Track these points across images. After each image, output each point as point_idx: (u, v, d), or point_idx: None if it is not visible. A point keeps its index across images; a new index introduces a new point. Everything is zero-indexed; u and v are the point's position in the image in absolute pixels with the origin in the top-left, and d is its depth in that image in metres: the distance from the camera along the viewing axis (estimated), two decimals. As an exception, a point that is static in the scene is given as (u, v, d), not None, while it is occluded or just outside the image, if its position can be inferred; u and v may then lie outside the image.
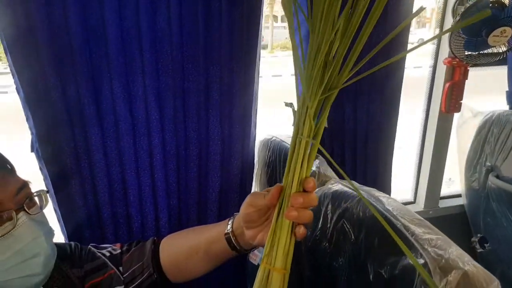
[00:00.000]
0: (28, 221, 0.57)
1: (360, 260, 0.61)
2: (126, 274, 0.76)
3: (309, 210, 0.52)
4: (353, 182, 0.68)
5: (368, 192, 0.67)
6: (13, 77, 0.89)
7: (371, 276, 0.57)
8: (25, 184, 0.59)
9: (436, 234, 0.53)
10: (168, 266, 0.76)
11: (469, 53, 1.35)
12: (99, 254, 0.78)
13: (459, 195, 1.54)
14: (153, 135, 1.01)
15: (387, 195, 0.64)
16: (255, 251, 1.20)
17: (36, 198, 0.63)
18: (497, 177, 1.27)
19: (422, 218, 0.56)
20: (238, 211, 1.08)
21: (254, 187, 1.18)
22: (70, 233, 1.01)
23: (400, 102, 1.24)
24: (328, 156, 0.46)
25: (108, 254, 0.79)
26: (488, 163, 1.32)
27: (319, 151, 0.52)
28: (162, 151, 1.03)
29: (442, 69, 1.38)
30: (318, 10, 0.48)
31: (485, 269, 0.47)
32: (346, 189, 0.70)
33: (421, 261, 0.48)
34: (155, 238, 0.81)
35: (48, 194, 0.64)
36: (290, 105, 0.57)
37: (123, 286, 0.76)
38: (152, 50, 0.93)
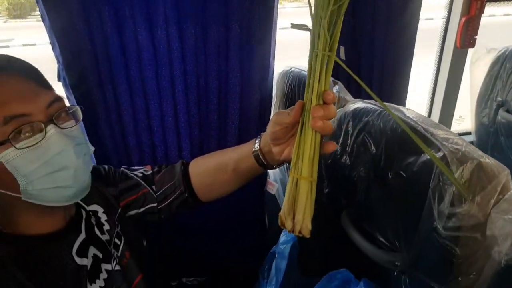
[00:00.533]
0: (58, 134, 0.58)
1: (379, 168, 0.66)
2: (159, 193, 0.82)
3: (329, 122, 0.56)
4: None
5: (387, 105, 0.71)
6: (38, 4, 0.91)
7: (390, 178, 0.63)
8: (58, 98, 0.60)
9: (454, 135, 0.57)
10: (198, 185, 0.81)
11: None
12: (131, 174, 0.83)
13: (469, 133, 1.58)
14: (175, 66, 1.03)
15: (406, 107, 0.68)
16: (272, 181, 1.28)
17: (71, 115, 0.63)
18: (507, 111, 1.30)
19: (441, 124, 0.61)
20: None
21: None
22: (97, 161, 1.08)
23: (416, 37, 1.23)
24: (344, 67, 0.49)
25: (140, 174, 0.84)
26: (499, 98, 1.34)
27: (336, 66, 0.54)
28: (184, 81, 1.06)
29: (459, 4, 1.35)
30: None
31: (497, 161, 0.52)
32: (366, 105, 0.73)
33: (440, 154, 0.53)
34: (183, 160, 0.86)
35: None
36: (300, 27, 0.58)
37: (156, 204, 0.81)
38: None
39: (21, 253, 0.59)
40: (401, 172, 0.61)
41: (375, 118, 0.68)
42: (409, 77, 1.23)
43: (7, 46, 7.17)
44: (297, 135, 0.58)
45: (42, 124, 0.56)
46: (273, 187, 1.25)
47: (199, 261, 1.31)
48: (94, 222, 0.73)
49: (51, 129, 0.57)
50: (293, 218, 0.56)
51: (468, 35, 1.31)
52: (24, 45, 6.97)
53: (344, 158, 0.76)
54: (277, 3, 1.06)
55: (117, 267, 0.72)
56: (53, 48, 0.96)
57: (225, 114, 1.13)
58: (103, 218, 0.76)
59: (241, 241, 1.29)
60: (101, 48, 0.97)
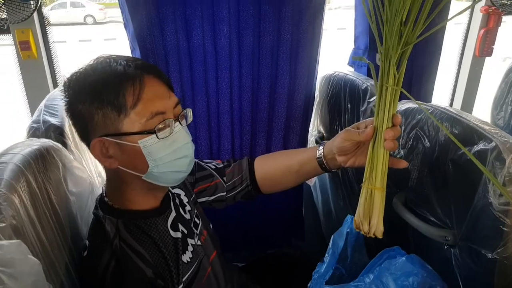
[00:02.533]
0: (182, 130, 0.72)
1: (434, 158, 0.79)
2: (229, 183, 0.95)
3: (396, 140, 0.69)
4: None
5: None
6: (122, 13, 1.04)
7: (446, 166, 0.76)
8: (179, 102, 0.73)
9: (499, 130, 0.70)
10: (262, 180, 0.94)
11: (504, 1, 1.47)
12: (206, 166, 0.96)
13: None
14: (233, 69, 1.17)
15: (456, 108, 0.82)
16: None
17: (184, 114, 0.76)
18: (521, 114, 1.44)
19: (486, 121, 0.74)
20: (300, 138, 1.27)
21: (314, 117, 1.36)
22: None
23: (443, 43, 1.36)
24: (405, 92, 0.62)
25: (213, 167, 0.97)
26: (513, 103, 1.48)
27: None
28: (239, 83, 1.19)
29: (478, 17, 1.50)
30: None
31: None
32: (414, 105, 0.87)
33: (492, 144, 0.66)
34: (248, 157, 0.99)
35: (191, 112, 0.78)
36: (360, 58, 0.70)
37: (225, 193, 0.95)
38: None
39: (128, 224, 0.72)
40: (456, 159, 0.74)
41: (427, 116, 0.82)
42: (435, 80, 1.36)
43: (65, 41, 7.68)
44: (369, 152, 0.70)
45: (173, 121, 0.69)
46: (311, 179, 1.38)
47: (241, 248, 1.43)
48: (178, 203, 0.86)
49: (177, 126, 0.70)
50: (369, 222, 0.68)
51: (486, 45, 1.46)
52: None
53: (397, 151, 0.89)
54: (323, 16, 1.19)
55: (199, 242, 0.85)
56: (132, 52, 1.08)
57: (273, 113, 1.26)
58: (185, 200, 0.89)
59: (279, 229, 1.42)
60: (172, 53, 1.11)
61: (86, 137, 0.69)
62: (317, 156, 0.85)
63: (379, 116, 0.69)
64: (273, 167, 0.94)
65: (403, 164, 0.71)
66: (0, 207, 0.51)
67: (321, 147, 0.85)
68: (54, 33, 1.23)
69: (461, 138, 0.74)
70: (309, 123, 1.31)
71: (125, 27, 1.09)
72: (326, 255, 0.81)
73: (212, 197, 0.96)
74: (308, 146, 1.35)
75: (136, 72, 0.66)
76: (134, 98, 0.64)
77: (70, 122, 0.69)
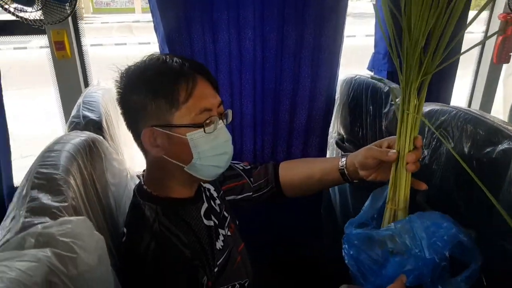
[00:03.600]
0: (224, 128, 0.78)
1: (457, 156, 0.83)
2: (255, 185, 1.00)
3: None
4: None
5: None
6: (153, 16, 1.10)
7: (470, 165, 0.79)
8: (222, 102, 0.79)
9: (522, 130, 0.74)
10: (286, 185, 0.99)
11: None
12: (234, 166, 1.01)
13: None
14: (257, 72, 1.21)
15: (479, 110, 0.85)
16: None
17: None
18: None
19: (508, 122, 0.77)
20: (320, 140, 1.31)
21: (334, 120, 1.40)
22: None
23: (461, 49, 1.39)
24: (426, 121, 0.65)
25: (241, 168, 1.02)
26: (530, 109, 1.51)
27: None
28: (262, 85, 1.23)
29: (496, 24, 1.53)
30: (415, 11, 0.64)
31: None
32: (438, 107, 0.90)
33: (517, 143, 0.70)
34: (274, 162, 1.04)
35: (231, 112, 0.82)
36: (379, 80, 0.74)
37: (251, 193, 1.00)
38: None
39: (166, 209, 0.76)
40: (480, 157, 0.77)
41: (451, 117, 0.85)
42: (454, 83, 1.39)
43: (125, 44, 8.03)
44: (391, 173, 0.74)
45: (217, 118, 0.74)
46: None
47: (260, 246, 1.46)
48: (209, 196, 0.90)
49: (220, 123, 0.76)
50: None
51: (504, 52, 1.49)
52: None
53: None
54: (345, 20, 1.23)
55: (229, 233, 0.89)
56: (161, 53, 1.14)
57: (295, 115, 1.29)
58: (214, 194, 0.94)
59: (298, 229, 1.45)
60: (199, 55, 1.15)
61: (135, 126, 0.74)
62: (340, 167, 0.89)
63: (400, 140, 0.72)
64: (296, 174, 0.99)
65: (423, 186, 0.75)
66: (61, 188, 0.56)
67: (343, 159, 0.90)
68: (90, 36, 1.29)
69: (485, 138, 0.77)
70: (329, 125, 1.35)
71: (155, 30, 1.14)
72: (363, 208, 0.82)
73: (239, 196, 1.01)
74: (328, 148, 1.38)
75: (190, 71, 0.72)
76: (186, 94, 0.70)
77: (120, 111, 0.75)
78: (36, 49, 7.04)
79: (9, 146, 1.13)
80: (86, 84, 1.32)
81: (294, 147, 1.33)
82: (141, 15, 12.81)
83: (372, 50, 1.46)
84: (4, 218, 0.52)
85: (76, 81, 1.28)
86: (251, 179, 1.00)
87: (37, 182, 0.55)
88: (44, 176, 0.57)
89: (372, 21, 1.44)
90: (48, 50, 1.26)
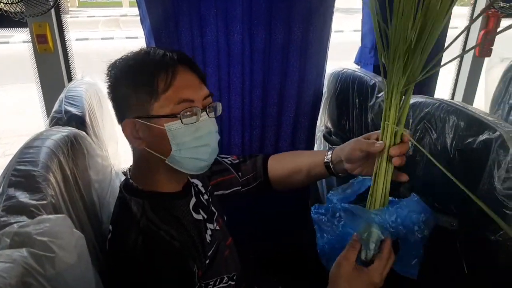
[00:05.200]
0: (207, 120, 0.75)
1: (440, 148, 0.84)
2: (243, 179, 1.00)
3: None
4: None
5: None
6: (139, 8, 1.07)
7: (451, 155, 0.80)
8: (210, 95, 0.77)
9: (502, 121, 0.75)
10: (274, 178, 1.00)
11: (503, 4, 1.52)
12: (222, 160, 1.00)
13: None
14: (245, 65, 1.20)
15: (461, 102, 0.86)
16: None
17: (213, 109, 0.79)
18: (519, 113, 1.49)
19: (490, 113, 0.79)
20: (308, 133, 1.31)
21: (322, 113, 1.40)
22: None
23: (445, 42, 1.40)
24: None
25: (229, 162, 1.01)
26: (511, 101, 1.53)
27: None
28: (250, 79, 1.22)
29: (478, 19, 1.55)
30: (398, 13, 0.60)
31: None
32: (422, 99, 0.91)
33: (497, 134, 0.71)
34: (262, 156, 1.03)
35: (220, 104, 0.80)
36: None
37: (240, 187, 1.00)
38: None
39: (153, 204, 0.74)
40: (461, 148, 0.78)
41: (435, 109, 0.86)
42: (437, 76, 1.41)
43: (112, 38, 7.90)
44: (375, 166, 0.71)
45: (200, 110, 0.72)
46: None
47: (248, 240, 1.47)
48: (197, 191, 0.90)
49: (204, 115, 0.74)
50: None
51: (486, 46, 1.51)
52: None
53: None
54: (333, 14, 1.23)
55: (217, 227, 0.89)
56: (147, 46, 1.12)
57: (283, 108, 1.30)
58: (202, 190, 0.93)
59: (286, 222, 1.46)
60: (187, 48, 1.14)
61: (121, 119, 0.73)
62: (325, 160, 0.90)
63: (384, 133, 0.70)
64: (284, 168, 0.99)
65: (404, 177, 0.73)
66: (40, 186, 0.54)
67: (329, 152, 0.90)
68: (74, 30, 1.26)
69: (467, 128, 0.78)
70: (317, 119, 1.35)
71: (142, 22, 1.12)
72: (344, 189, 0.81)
73: (228, 191, 1.00)
74: (315, 141, 1.38)
75: (171, 61, 0.70)
76: (165, 84, 0.69)
77: (111, 104, 0.74)
78: (19, 44, 6.90)
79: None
80: (70, 79, 1.29)
81: (282, 141, 1.34)
82: (128, 9, 12.62)
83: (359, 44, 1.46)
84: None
85: (59, 76, 1.25)
86: (239, 173, 1.00)
87: (14, 180, 0.54)
88: (21, 174, 0.55)
89: (359, 16, 1.44)
90: (30, 44, 1.22)
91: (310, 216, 1.45)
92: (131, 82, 0.70)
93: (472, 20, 1.50)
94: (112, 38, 8.37)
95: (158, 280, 0.66)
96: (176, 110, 0.70)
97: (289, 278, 1.20)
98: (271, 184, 1.00)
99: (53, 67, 1.24)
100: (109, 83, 0.74)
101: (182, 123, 0.70)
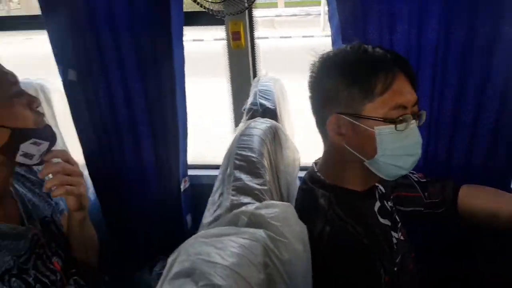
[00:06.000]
0: (415, 128, 0.71)
1: None
2: (428, 201, 0.91)
3: None
4: None
5: None
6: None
7: None
8: (417, 101, 0.71)
9: None
10: (464, 214, 0.88)
11: None
12: (408, 175, 0.93)
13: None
14: (438, 66, 1.07)
15: None
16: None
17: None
18: None
19: None
20: (510, 150, 1.07)
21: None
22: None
23: None
24: None
25: (415, 179, 0.93)
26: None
27: None
28: (442, 81, 1.08)
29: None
30: None
31: None
32: None
33: None
34: (454, 182, 0.92)
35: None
36: None
37: (422, 208, 0.91)
38: None
39: (339, 199, 0.73)
40: None
41: None
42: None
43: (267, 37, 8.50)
44: None
45: (411, 117, 0.69)
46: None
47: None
48: (382, 195, 0.84)
49: (413, 123, 0.70)
50: None
51: None
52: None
53: None
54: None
55: (401, 237, 0.82)
56: (333, 44, 1.11)
57: (479, 116, 1.10)
58: (386, 196, 0.87)
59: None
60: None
61: (321, 110, 0.74)
62: None
63: None
64: (479, 207, 0.87)
65: None
66: (260, 171, 0.58)
67: None
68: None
69: None
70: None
71: (330, 19, 1.11)
72: None
73: (408, 209, 0.92)
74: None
75: (391, 63, 0.68)
76: (384, 87, 0.67)
77: (309, 95, 0.75)
78: (210, 42, 7.78)
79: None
80: (254, 75, 1.40)
81: (476, 156, 1.13)
82: (283, 9, 13.25)
83: None
84: (212, 193, 0.56)
85: (246, 71, 1.36)
86: (426, 193, 0.91)
87: (238, 163, 0.59)
88: (243, 158, 0.60)
89: None
90: (224, 42, 1.37)
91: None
92: (346, 77, 0.68)
93: None
94: (267, 38, 8.90)
95: (345, 272, 0.64)
96: (390, 115, 0.67)
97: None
98: (461, 217, 0.89)
99: (242, 62, 1.35)
100: (314, 74, 0.74)
101: (396, 129, 0.67)
